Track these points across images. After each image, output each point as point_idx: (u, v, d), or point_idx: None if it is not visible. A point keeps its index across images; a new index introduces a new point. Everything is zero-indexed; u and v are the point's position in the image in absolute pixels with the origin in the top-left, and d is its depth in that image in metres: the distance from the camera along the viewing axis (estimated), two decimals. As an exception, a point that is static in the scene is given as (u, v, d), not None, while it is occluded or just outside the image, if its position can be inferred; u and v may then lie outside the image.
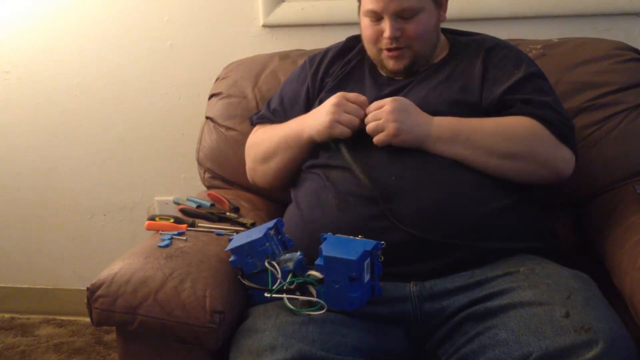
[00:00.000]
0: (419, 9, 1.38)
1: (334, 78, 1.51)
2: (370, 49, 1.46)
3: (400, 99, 1.34)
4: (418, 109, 1.33)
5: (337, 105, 1.34)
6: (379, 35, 1.41)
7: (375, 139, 1.31)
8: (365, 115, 1.34)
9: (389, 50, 1.41)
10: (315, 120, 1.38)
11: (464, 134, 1.31)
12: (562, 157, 1.35)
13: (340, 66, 1.53)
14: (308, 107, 1.51)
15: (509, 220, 1.30)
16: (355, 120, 1.34)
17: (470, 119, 1.34)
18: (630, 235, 1.28)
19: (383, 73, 1.49)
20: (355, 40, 1.56)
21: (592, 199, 1.54)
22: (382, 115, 1.30)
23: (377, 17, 1.39)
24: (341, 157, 1.33)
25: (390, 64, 1.43)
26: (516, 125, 1.33)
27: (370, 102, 1.38)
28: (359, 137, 1.34)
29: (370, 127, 1.32)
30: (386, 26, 1.38)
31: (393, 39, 1.39)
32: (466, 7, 1.85)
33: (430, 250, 1.24)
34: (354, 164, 1.31)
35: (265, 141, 1.51)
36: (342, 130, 1.34)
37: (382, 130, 1.31)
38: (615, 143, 1.53)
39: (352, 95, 1.36)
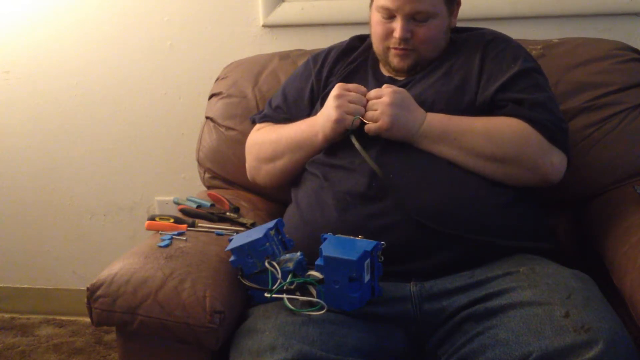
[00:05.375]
0: (432, 13, 1.38)
1: (338, 77, 1.51)
2: (377, 46, 1.47)
3: (399, 91, 1.33)
4: (415, 104, 1.33)
5: (340, 96, 1.34)
6: (388, 34, 1.41)
7: (366, 127, 1.31)
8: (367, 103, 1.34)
9: (396, 48, 1.42)
10: (325, 118, 1.37)
11: (452, 134, 1.31)
12: (550, 162, 1.33)
13: (345, 65, 1.53)
14: (312, 105, 1.52)
15: (508, 217, 1.30)
16: (361, 108, 1.33)
17: (462, 117, 1.34)
18: (630, 235, 1.28)
19: (385, 72, 1.49)
20: (359, 40, 1.57)
21: (592, 199, 1.54)
22: (379, 106, 1.30)
23: (389, 15, 1.39)
24: (353, 150, 1.32)
25: (395, 61, 1.44)
26: (506, 128, 1.32)
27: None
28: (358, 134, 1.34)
29: (365, 115, 1.32)
30: (397, 26, 1.38)
31: (403, 40, 1.39)
32: (466, 7, 1.83)
33: (430, 247, 1.24)
34: (365, 154, 1.30)
35: (273, 141, 1.49)
36: (352, 120, 1.33)
37: (375, 121, 1.31)
38: (615, 143, 1.53)
39: (351, 85, 1.36)
